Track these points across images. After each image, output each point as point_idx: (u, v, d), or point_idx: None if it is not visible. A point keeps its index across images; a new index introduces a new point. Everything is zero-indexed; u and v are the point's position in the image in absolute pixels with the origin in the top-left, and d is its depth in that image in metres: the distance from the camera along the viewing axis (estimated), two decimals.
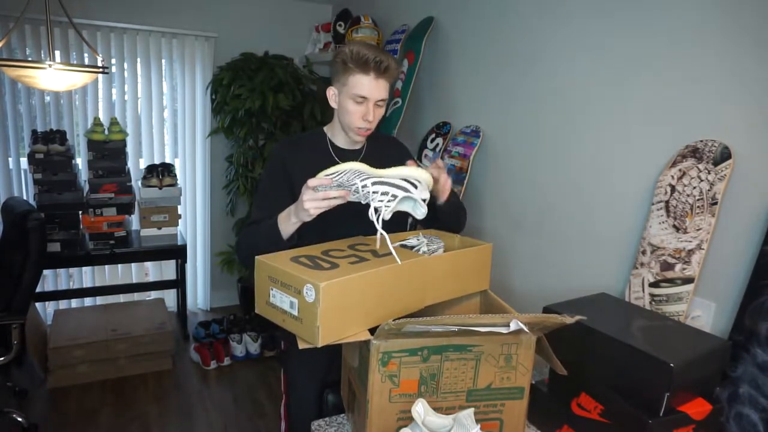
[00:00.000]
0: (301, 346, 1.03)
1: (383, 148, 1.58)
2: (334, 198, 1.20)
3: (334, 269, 1.06)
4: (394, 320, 0.96)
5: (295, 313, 1.03)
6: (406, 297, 1.17)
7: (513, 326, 0.99)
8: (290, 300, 1.04)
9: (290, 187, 1.43)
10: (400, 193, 1.18)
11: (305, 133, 1.59)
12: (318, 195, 1.19)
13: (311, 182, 1.20)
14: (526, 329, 1.01)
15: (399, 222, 1.42)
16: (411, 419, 0.97)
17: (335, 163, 1.44)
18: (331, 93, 1.44)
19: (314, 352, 1.49)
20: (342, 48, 1.40)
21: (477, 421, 0.95)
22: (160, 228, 3.16)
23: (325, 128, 1.54)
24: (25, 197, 3.15)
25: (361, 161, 1.46)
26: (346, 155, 1.50)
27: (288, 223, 1.29)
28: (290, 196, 1.42)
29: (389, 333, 1.00)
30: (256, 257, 1.14)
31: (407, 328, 0.97)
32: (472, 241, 1.41)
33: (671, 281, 1.40)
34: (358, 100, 1.38)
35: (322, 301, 0.97)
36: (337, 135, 1.50)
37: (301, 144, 1.53)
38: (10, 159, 3.12)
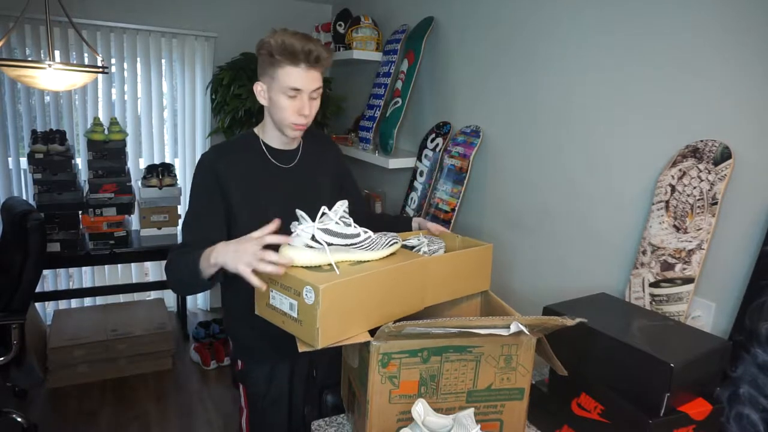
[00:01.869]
0: (301, 348, 1.03)
1: (319, 148, 1.49)
2: (272, 265, 1.02)
3: (334, 271, 1.05)
4: (394, 323, 0.96)
5: (295, 315, 1.03)
6: (407, 298, 1.16)
7: (513, 328, 0.99)
8: (290, 302, 1.03)
9: (225, 201, 1.33)
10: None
11: (233, 139, 1.46)
12: (260, 254, 1.02)
13: (269, 239, 1.05)
14: (526, 331, 1.01)
15: None
16: (411, 420, 0.97)
17: (273, 166, 1.39)
18: (259, 88, 1.33)
19: (274, 364, 1.46)
20: (266, 39, 1.28)
21: (477, 421, 0.95)
22: (160, 228, 3.16)
23: (256, 129, 1.42)
24: (24, 197, 3.14)
25: (297, 161, 1.42)
26: (282, 156, 1.41)
27: (207, 263, 1.13)
28: (225, 211, 1.33)
29: (389, 335, 1.00)
30: None
31: (407, 330, 0.97)
32: (473, 242, 1.41)
33: (671, 281, 1.40)
34: (291, 94, 1.27)
35: (322, 304, 0.97)
36: (269, 135, 1.40)
37: (231, 150, 1.39)
38: (9, 159, 3.11)
